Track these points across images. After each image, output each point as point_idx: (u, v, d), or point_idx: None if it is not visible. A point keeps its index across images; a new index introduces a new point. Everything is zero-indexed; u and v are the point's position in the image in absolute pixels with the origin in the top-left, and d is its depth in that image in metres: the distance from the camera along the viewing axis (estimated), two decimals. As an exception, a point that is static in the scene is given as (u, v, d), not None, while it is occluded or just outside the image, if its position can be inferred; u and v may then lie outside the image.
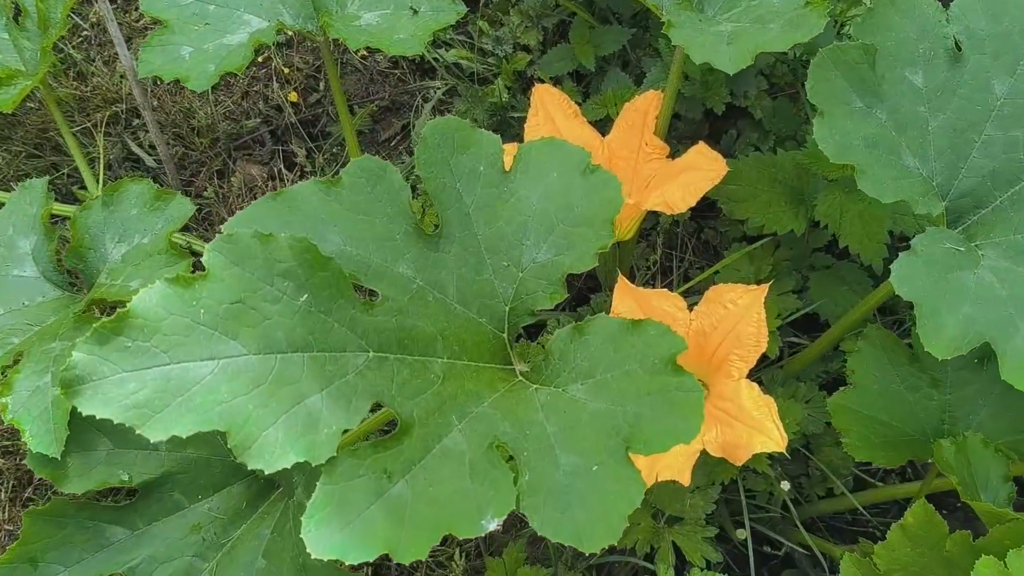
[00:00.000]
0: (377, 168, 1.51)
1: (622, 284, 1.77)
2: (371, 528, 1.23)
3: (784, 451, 1.61)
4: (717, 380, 1.79)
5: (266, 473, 1.23)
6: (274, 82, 2.72)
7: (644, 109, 2.02)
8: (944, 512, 2.03)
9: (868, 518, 2.14)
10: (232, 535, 1.68)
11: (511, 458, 1.33)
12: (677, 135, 2.39)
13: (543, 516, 1.26)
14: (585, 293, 2.37)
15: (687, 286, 2.08)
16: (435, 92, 2.65)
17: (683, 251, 2.41)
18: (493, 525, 1.25)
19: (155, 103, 2.67)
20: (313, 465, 1.24)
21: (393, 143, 2.69)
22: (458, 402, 1.42)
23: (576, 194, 1.52)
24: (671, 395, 1.32)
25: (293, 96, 2.69)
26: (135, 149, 2.66)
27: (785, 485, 1.93)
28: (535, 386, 1.45)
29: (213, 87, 2.32)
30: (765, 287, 1.72)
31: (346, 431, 1.29)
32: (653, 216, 2.38)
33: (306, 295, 1.35)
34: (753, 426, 1.66)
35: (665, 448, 1.28)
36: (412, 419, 1.36)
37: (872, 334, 1.89)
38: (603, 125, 2.12)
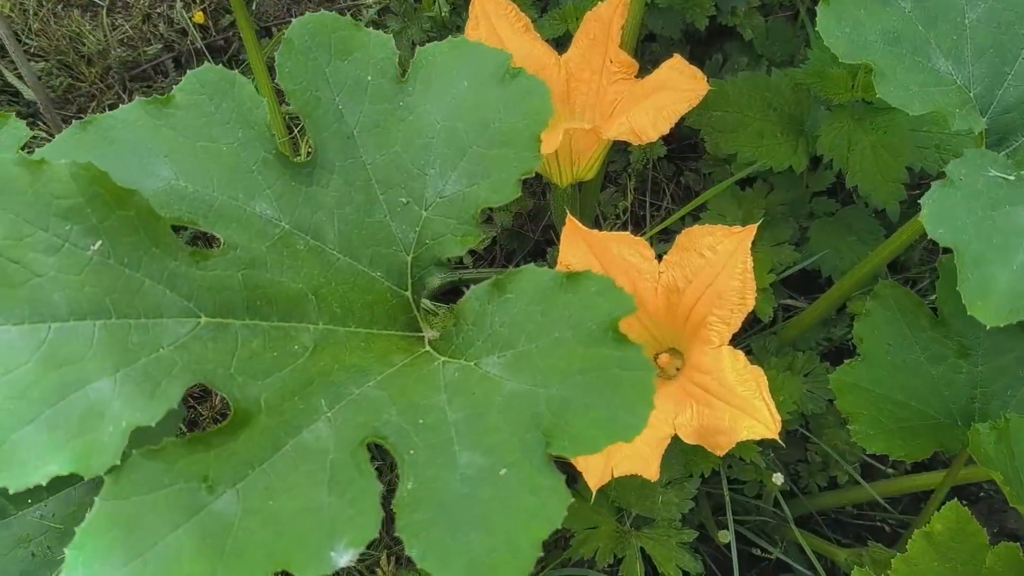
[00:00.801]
0: (221, 81, 1.15)
1: (571, 226, 1.41)
2: (173, 562, 0.88)
3: (777, 437, 1.28)
4: (693, 348, 1.45)
5: (11, 492, 0.88)
6: (178, 1, 2.34)
7: (608, 17, 1.67)
8: (963, 503, 1.68)
9: (879, 512, 1.78)
10: (71, 549, 1.33)
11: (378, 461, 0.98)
12: (652, 58, 2.02)
13: (427, 540, 0.92)
14: (543, 246, 2.00)
15: (657, 228, 1.72)
16: (368, 11, 2.29)
17: (659, 197, 2.05)
18: (345, 559, 0.90)
19: (36, 25, 2.31)
20: (86, 478, 0.89)
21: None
22: (331, 381, 1.08)
23: (492, 107, 1.18)
24: (609, 374, 0.98)
25: (199, 17, 2.33)
26: (11, 80, 2.31)
27: (778, 477, 1.58)
28: (442, 359, 1.12)
29: (108, 8, 1.96)
30: (752, 228, 1.37)
31: (145, 428, 0.94)
32: (624, 156, 2.01)
33: (100, 242, 0.99)
34: (738, 406, 1.33)
35: (596, 448, 0.94)
36: (257, 406, 1.02)
37: (885, 292, 1.55)
38: (562, 45, 1.76)
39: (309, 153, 1.19)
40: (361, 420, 1.03)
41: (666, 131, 1.53)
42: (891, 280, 1.56)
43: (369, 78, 1.18)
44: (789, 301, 1.89)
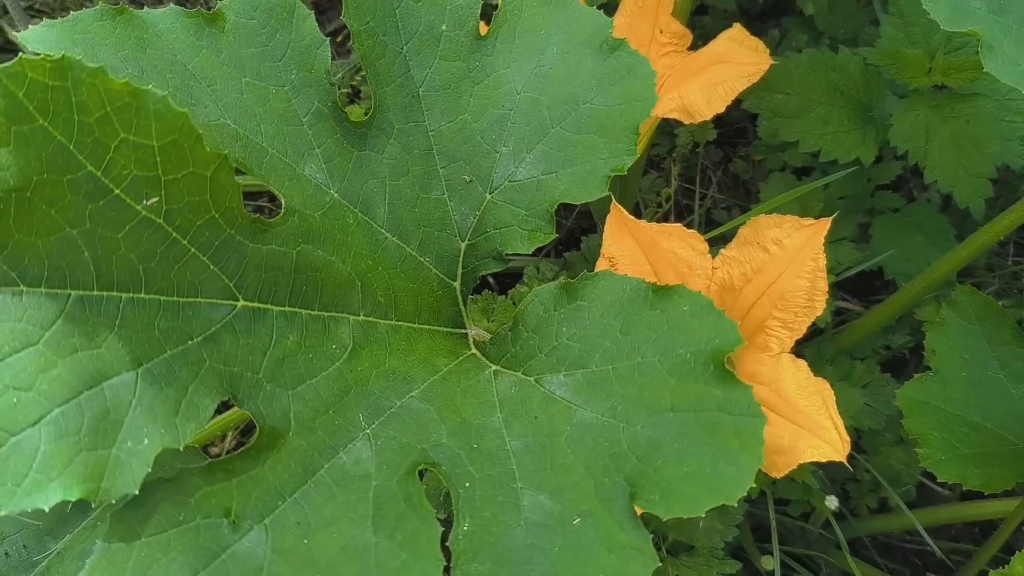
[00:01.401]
0: (278, 7, 0.99)
1: (616, 216, 1.24)
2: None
3: (844, 460, 1.12)
4: (749, 355, 1.28)
5: (2, 513, 0.70)
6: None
7: (659, -16, 1.49)
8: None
9: (932, 537, 1.64)
10: (49, 549, 1.15)
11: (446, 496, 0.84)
12: (702, 33, 1.85)
13: (487, 600, 0.78)
14: (577, 235, 1.84)
15: (713, 233, 1.56)
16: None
17: (705, 186, 1.89)
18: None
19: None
20: (95, 506, 0.73)
21: (340, 39, 2.15)
22: (370, 390, 0.93)
23: (585, 83, 1.02)
24: (709, 416, 0.83)
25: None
26: (13, 37, 2.10)
27: (832, 501, 1.44)
28: (494, 367, 0.98)
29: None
30: (826, 221, 1.19)
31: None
32: (668, 139, 1.85)
33: (156, 197, 0.81)
34: (801, 423, 1.17)
35: (694, 509, 0.80)
36: (286, 422, 0.86)
37: (962, 299, 1.41)
38: (607, 12, 1.58)
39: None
40: (406, 439, 0.88)
41: (722, 109, 1.38)
42: (969, 286, 1.42)
43: (444, 28, 1.02)
44: (842, 303, 1.74)
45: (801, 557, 1.58)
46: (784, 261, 1.22)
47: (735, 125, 1.91)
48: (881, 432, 1.54)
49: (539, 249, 1.83)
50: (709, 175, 1.90)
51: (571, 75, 1.01)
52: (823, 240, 1.19)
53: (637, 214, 1.79)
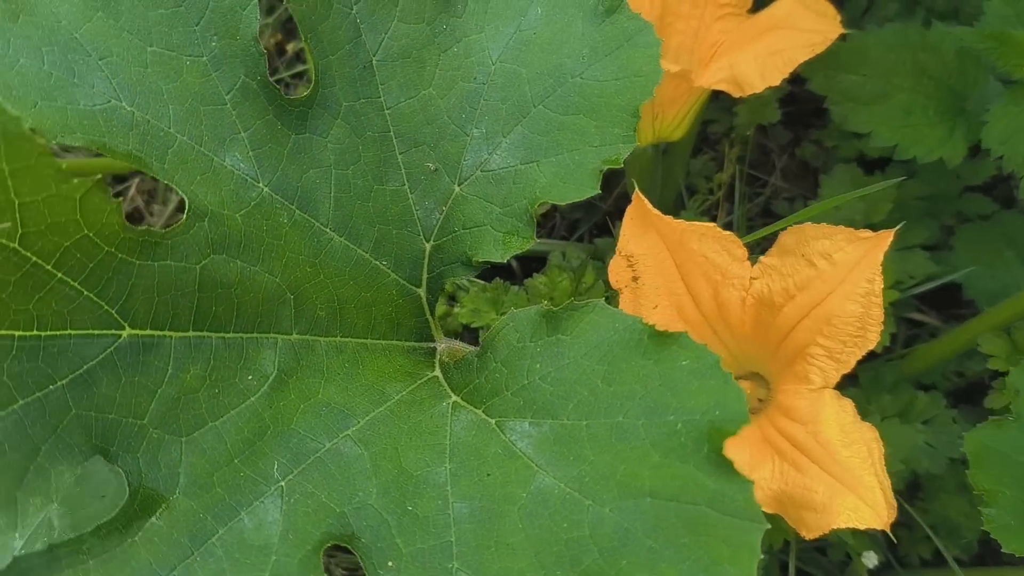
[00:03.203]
0: (193, -41, 0.80)
1: (637, 206, 1.05)
2: None
3: (888, 529, 0.93)
4: (785, 383, 1.09)
5: None
6: None
7: (720, -65, 1.30)
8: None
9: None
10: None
11: None
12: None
13: None
14: (615, 218, 1.63)
15: (753, 236, 1.34)
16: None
17: (767, 171, 1.66)
18: None
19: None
20: None
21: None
22: (294, 430, 0.77)
23: (574, 52, 0.84)
24: (696, 513, 0.65)
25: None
26: None
27: (870, 557, 1.25)
28: (454, 398, 0.80)
29: None
30: (887, 234, 1.00)
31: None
32: (728, 116, 1.62)
33: (8, 224, 0.65)
34: (840, 477, 0.98)
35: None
36: (172, 481, 0.70)
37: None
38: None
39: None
40: (325, 499, 0.71)
41: (777, 82, 1.18)
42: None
43: (402, -14, 0.84)
44: (916, 315, 1.51)
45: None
46: (833, 280, 1.02)
47: (810, 103, 1.69)
48: (941, 477, 1.33)
49: (570, 231, 1.66)
50: (772, 159, 1.68)
51: (557, 42, 0.83)
52: (882, 258, 0.99)
53: (680, 201, 1.58)
